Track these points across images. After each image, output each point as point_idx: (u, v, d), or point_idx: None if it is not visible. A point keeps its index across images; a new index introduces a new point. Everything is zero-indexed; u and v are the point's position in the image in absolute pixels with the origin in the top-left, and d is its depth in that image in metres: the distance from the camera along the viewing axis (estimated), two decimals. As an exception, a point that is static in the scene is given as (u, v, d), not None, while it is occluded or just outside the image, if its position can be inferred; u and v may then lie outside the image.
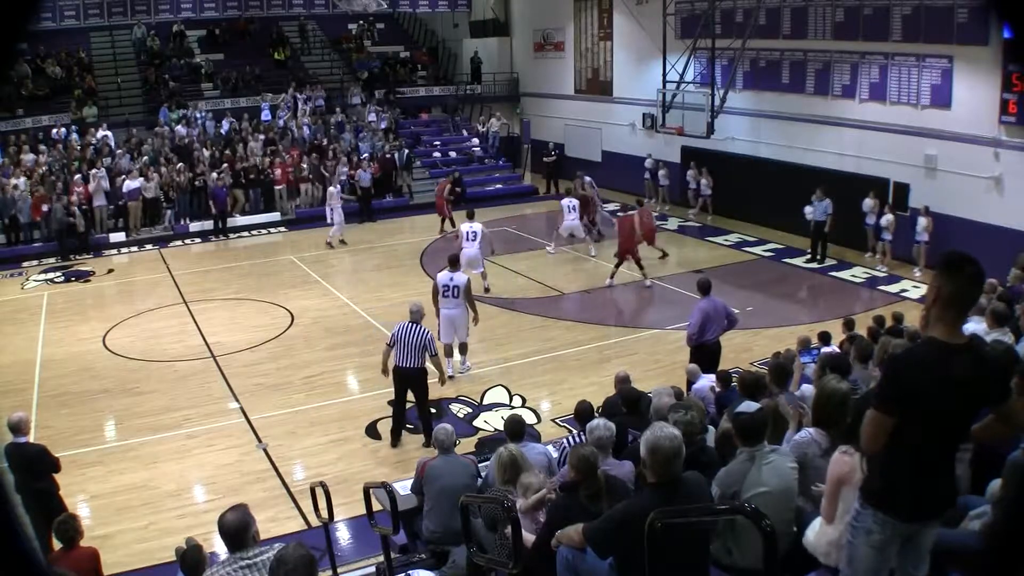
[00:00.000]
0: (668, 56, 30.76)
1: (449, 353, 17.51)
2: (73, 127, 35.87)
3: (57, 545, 8.96)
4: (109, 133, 35.19)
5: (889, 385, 4.67)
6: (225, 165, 33.39)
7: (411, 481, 9.84)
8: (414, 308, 14.87)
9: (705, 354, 14.88)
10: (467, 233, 22.27)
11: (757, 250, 27.14)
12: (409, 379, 14.83)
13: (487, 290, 22.66)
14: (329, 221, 29.31)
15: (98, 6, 39.80)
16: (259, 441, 15.52)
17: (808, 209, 25.15)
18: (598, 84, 37.25)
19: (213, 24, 42.39)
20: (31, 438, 12.23)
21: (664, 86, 30.95)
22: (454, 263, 17.63)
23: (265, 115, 37.71)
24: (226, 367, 19.15)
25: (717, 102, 28.94)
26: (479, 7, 43.23)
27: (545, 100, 40.36)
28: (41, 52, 38.85)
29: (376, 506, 10.19)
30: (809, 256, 25.78)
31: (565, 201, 26.98)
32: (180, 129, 35.98)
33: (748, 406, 7.62)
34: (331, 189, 29.55)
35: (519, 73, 42.22)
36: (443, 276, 17.38)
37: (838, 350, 13.35)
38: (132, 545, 12.18)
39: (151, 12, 40.95)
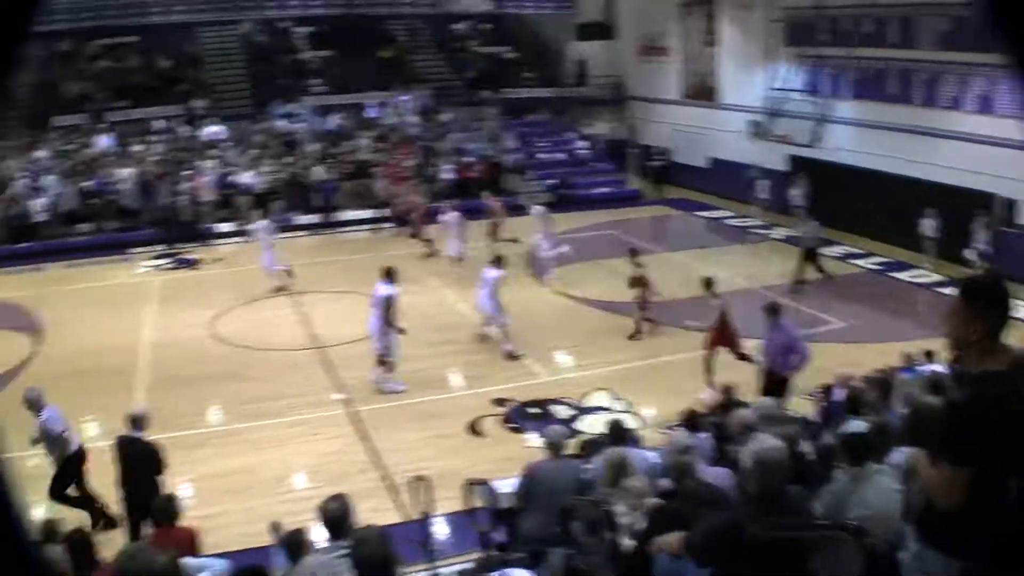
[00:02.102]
0: (774, 63, 30.55)
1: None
2: (183, 120, 36.73)
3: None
4: (220, 128, 35.93)
5: (966, 432, 4.41)
6: (331, 160, 33.84)
7: (512, 479, 9.90)
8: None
9: (780, 386, 14.25)
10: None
11: (863, 263, 26.67)
12: None
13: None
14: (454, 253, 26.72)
15: (207, 1, 40.61)
16: (362, 432, 15.77)
17: (926, 222, 24.76)
18: (704, 90, 36.84)
19: (321, 21, 42.92)
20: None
21: (771, 93, 30.76)
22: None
23: (371, 112, 38.15)
24: (332, 358, 19.49)
25: (823, 111, 28.67)
26: (585, 10, 43.06)
27: (652, 104, 40.00)
28: (151, 45, 39.84)
29: (476, 503, 10.30)
30: (920, 270, 25.28)
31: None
32: (287, 124, 36.59)
33: (856, 425, 7.60)
34: (446, 217, 27.12)
35: (625, 77, 42.01)
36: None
37: (942, 368, 13.15)
38: (233, 527, 12.43)
39: (259, 8, 41.62)
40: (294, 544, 7.81)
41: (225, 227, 31.46)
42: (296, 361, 19.40)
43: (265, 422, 16.36)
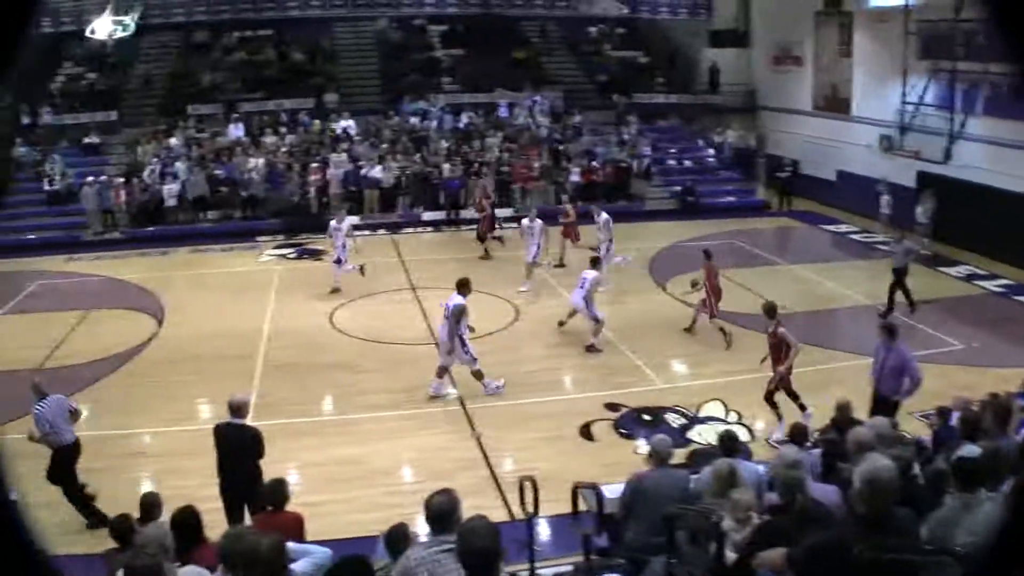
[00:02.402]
0: (908, 76, 30.01)
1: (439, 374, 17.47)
2: (314, 113, 37.45)
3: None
4: (351, 123, 36.44)
5: None
6: (459, 159, 34.12)
7: (619, 485, 9.79)
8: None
9: (889, 409, 13.68)
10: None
11: (987, 284, 25.86)
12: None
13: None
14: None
15: (343, -4, 41.23)
16: (473, 429, 15.86)
17: None
18: (836, 101, 36.19)
19: (455, 20, 43.33)
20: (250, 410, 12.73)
21: (903, 107, 30.24)
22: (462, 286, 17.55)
23: (502, 112, 38.34)
24: (448, 355, 19.57)
25: (956, 127, 28.09)
26: (719, 16, 42.69)
27: (782, 115, 39.43)
28: (286, 39, 40.65)
29: (582, 506, 10.22)
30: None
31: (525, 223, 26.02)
32: (417, 120, 36.94)
33: (969, 450, 7.44)
34: (528, 223, 25.57)
35: (756, 85, 41.59)
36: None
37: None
38: (339, 515, 12.56)
39: (394, 5, 42.20)
40: (396, 536, 7.80)
41: (351, 220, 31.81)
42: (411, 356, 19.48)
43: (376, 414, 16.56)
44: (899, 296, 22.25)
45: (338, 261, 24.17)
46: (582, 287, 19.94)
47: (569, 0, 41.60)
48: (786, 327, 15.21)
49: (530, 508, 10.50)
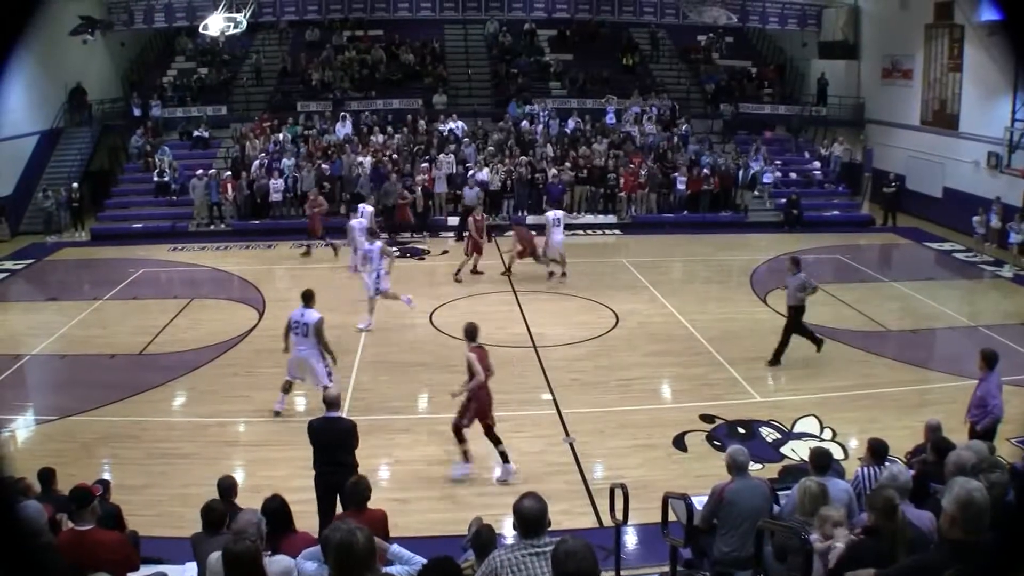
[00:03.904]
0: (1019, 92, 29.47)
1: (286, 389, 16.67)
2: (422, 113, 37.76)
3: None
4: (459, 124, 36.68)
5: None
6: (566, 164, 34.20)
7: (707, 497, 9.70)
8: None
9: (988, 434, 13.14)
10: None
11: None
12: None
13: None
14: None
15: (453, 0, 41.61)
16: (566, 435, 15.80)
17: None
18: (944, 117, 35.40)
19: (564, 25, 43.41)
20: (346, 404, 12.88)
21: (1012, 124, 29.70)
22: (307, 299, 16.43)
23: (609, 118, 38.25)
24: (545, 359, 19.60)
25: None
26: (829, 27, 42.11)
27: (889, 129, 38.78)
28: (396, 39, 41.18)
29: (671, 516, 10.17)
30: None
31: (551, 214, 26.18)
32: (525, 124, 37.06)
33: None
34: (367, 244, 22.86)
35: (865, 98, 40.96)
36: (295, 312, 16.41)
37: None
38: (426, 514, 12.71)
39: (504, 9, 42.31)
40: (483, 538, 7.88)
41: (455, 220, 32.04)
42: (510, 358, 19.42)
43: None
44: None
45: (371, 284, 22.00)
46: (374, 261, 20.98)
47: (679, 7, 41.37)
48: (480, 355, 14.02)
49: (619, 516, 10.54)
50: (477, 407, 13.97)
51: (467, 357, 13.91)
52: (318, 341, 16.12)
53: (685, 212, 34.05)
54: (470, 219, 26.46)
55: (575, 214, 33.26)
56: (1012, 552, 3.54)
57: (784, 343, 19.24)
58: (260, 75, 40.65)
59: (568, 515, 12.43)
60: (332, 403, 11.78)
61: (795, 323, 19.32)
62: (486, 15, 42.67)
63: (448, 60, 42.09)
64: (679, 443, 15.59)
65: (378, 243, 21.79)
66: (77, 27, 35.07)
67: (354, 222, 26.21)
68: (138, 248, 29.73)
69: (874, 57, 40.01)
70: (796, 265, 19.02)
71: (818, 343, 19.50)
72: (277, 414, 16.51)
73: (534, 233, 26.45)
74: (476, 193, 31.09)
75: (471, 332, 14.18)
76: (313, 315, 16.15)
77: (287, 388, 16.67)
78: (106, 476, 13.32)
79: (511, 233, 27.37)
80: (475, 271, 26.36)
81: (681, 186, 34.18)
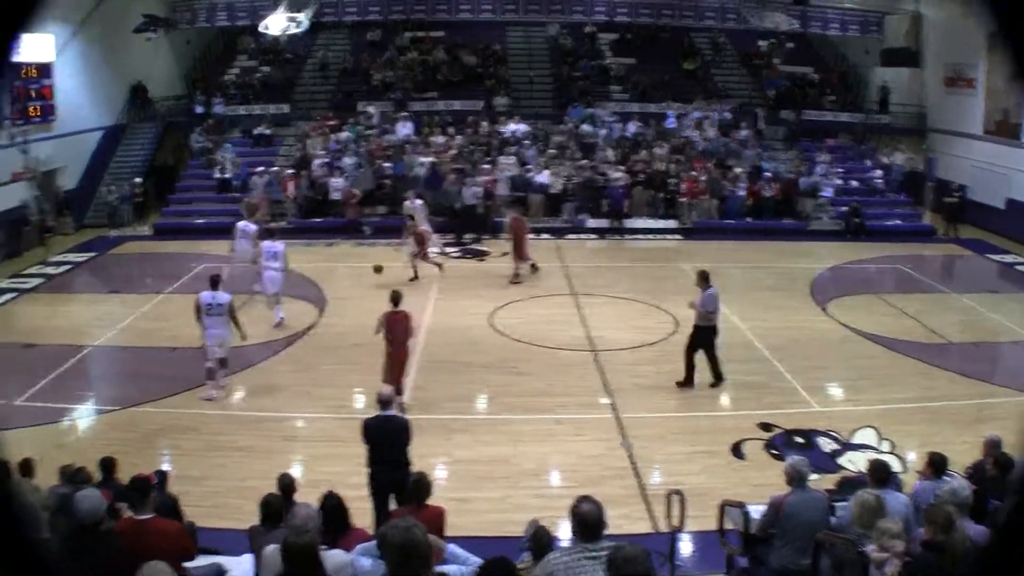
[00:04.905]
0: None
1: (210, 376, 17.44)
2: (484, 115, 37.89)
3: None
4: (521, 126, 36.78)
5: None
6: (626, 168, 34.20)
7: (765, 506, 9.66)
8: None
9: None
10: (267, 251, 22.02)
11: None
12: None
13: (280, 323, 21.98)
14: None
15: (515, 2, 41.50)
16: (623, 439, 15.77)
17: None
18: (1007, 126, 34.99)
19: (625, 28, 43.34)
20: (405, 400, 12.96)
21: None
22: (215, 283, 17.44)
23: (670, 122, 38.10)
24: (605, 362, 19.52)
25: None
26: (892, 34, 41.71)
27: (952, 138, 38.28)
28: (458, 40, 41.37)
29: (727, 524, 10.21)
30: None
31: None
32: (586, 127, 37.02)
33: None
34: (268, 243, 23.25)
35: (928, 107, 40.46)
36: (206, 295, 17.18)
37: None
38: (484, 514, 12.70)
39: (565, 12, 42.13)
40: (540, 540, 7.91)
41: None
42: (569, 361, 19.54)
43: (529, 416, 16.61)
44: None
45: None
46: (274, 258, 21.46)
47: (740, 12, 41.20)
48: (395, 319, 16.18)
49: (675, 522, 10.58)
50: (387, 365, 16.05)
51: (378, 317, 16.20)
52: (229, 319, 17.30)
53: (748, 219, 33.86)
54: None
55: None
56: None
57: (711, 360, 18.16)
58: (327, 70, 41.14)
59: (625, 519, 12.39)
60: (386, 402, 11.87)
61: (702, 341, 18.03)
62: (547, 18, 42.61)
63: (510, 62, 42.25)
64: (737, 451, 15.52)
65: (281, 243, 22.54)
66: (140, 25, 35.72)
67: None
68: (200, 243, 29.96)
69: (937, 65, 39.46)
70: (705, 280, 17.84)
71: (718, 377, 18.30)
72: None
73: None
74: (474, 193, 31.56)
75: (395, 298, 16.44)
76: (225, 296, 17.37)
77: (212, 375, 17.44)
78: (165, 467, 13.60)
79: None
80: (515, 278, 26.11)
81: (742, 192, 34.03)
